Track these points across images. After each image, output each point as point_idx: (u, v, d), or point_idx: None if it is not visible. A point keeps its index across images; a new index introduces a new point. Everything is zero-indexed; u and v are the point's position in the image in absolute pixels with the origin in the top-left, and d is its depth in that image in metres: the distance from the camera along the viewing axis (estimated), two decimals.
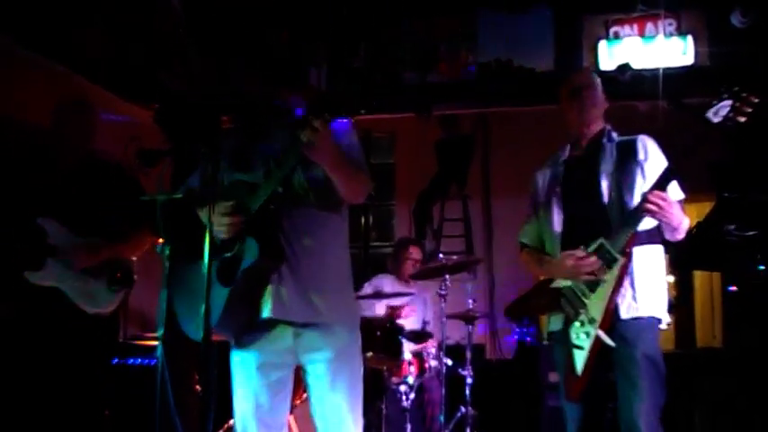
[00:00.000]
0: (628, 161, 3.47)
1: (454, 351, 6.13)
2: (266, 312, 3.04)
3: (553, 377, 6.08)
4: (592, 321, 3.32)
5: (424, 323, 6.41)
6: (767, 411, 5.48)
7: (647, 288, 3.41)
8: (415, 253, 6.54)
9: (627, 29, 7.00)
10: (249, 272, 3.01)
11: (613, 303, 3.34)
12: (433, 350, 5.89)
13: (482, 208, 8.75)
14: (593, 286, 3.37)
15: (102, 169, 4.25)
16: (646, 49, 6.89)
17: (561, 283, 3.48)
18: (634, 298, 3.39)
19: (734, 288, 6.39)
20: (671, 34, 6.84)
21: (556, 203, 3.59)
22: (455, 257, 6.12)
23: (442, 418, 5.73)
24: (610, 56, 6.96)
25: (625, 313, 3.37)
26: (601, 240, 3.34)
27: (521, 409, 6.46)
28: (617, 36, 7.01)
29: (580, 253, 3.35)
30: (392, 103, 7.12)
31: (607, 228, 3.38)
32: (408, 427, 5.52)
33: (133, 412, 5.62)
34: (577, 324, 3.38)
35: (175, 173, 4.35)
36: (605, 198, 3.45)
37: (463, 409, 5.81)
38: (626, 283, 3.36)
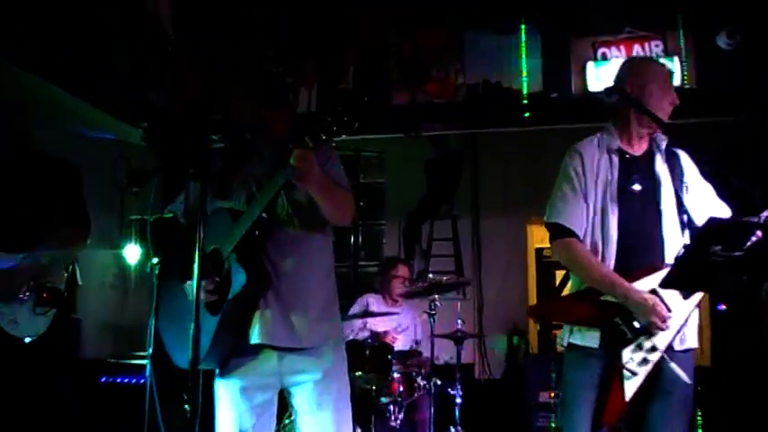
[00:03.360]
0: (676, 176, 3.36)
1: (443, 370, 6.13)
2: (254, 338, 3.05)
3: (543, 396, 6.08)
4: (653, 350, 3.15)
5: (414, 343, 6.41)
6: (756, 427, 5.50)
7: (693, 318, 3.32)
8: (403, 271, 6.54)
9: (614, 50, 7.01)
10: (237, 300, 3.01)
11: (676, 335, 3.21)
12: (423, 370, 5.87)
13: (471, 228, 8.76)
14: None
15: (31, 170, 3.98)
16: None
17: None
18: (684, 329, 3.28)
19: (722, 306, 6.41)
20: (657, 56, 6.85)
21: (611, 201, 3.32)
22: (445, 278, 6.10)
23: None
24: (597, 77, 6.97)
25: (678, 345, 3.25)
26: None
27: (509, 428, 6.45)
28: (604, 57, 7.02)
29: (665, 310, 3.13)
30: (381, 123, 7.15)
31: (661, 245, 3.27)
32: None
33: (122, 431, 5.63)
34: (633, 348, 3.17)
35: (165, 191, 4.32)
36: (663, 213, 3.31)
37: (452, 429, 5.79)
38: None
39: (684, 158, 3.44)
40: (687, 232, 3.33)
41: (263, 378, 3.14)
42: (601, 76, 6.95)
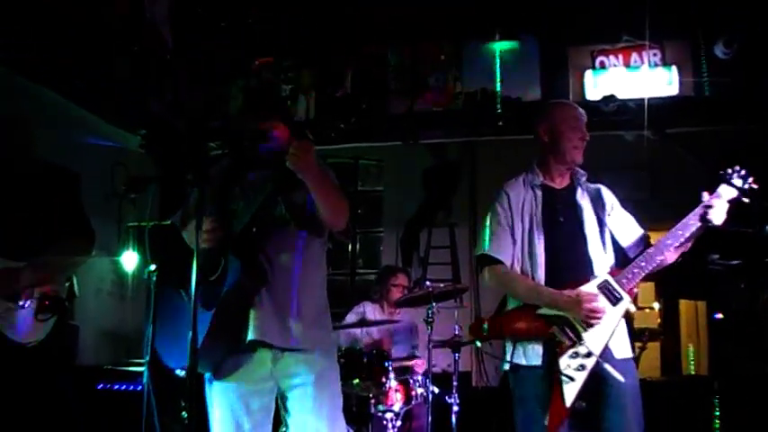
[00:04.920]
0: (598, 207, 3.67)
1: (440, 378, 6.08)
2: (249, 335, 3.08)
3: None
4: (589, 355, 3.34)
5: (411, 350, 6.38)
6: None
7: (622, 328, 3.51)
8: (402, 280, 6.53)
9: (612, 59, 7.07)
10: (231, 294, 3.04)
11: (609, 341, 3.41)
12: (420, 377, 5.85)
13: (469, 236, 8.71)
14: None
15: (31, 181, 4.00)
16: (631, 78, 6.95)
17: (552, 311, 3.46)
18: (624, 339, 3.52)
19: (719, 315, 6.42)
20: (655, 64, 6.91)
21: (537, 229, 3.60)
22: (442, 285, 6.08)
23: None
24: (595, 85, 7.01)
25: (619, 354, 3.45)
26: (606, 277, 3.47)
27: None
28: (602, 66, 7.06)
29: (593, 296, 3.40)
30: (379, 131, 7.18)
31: (588, 263, 3.54)
32: None
33: None
34: (570, 355, 3.36)
35: (163, 198, 4.34)
36: (588, 236, 3.60)
37: None
38: (621, 323, 3.47)
39: (605, 190, 3.78)
40: (610, 250, 3.64)
41: (258, 383, 3.16)
42: (599, 84, 7.01)
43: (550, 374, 3.37)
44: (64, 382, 4.12)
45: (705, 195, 3.50)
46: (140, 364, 5.86)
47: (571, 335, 3.39)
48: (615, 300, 3.43)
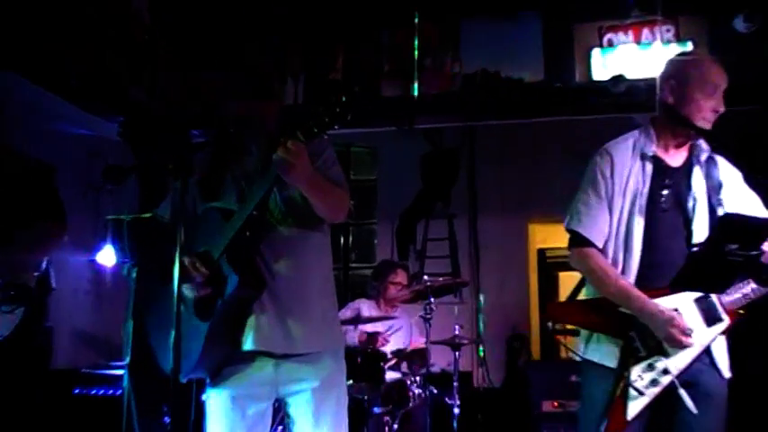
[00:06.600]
0: (712, 193, 3.17)
1: (440, 379, 6.03)
2: (248, 345, 2.96)
3: (546, 406, 5.92)
4: (665, 372, 2.99)
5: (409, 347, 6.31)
6: None
7: (722, 347, 3.15)
8: (401, 277, 6.42)
9: (621, 36, 6.85)
10: (229, 304, 2.92)
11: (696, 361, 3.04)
12: (418, 378, 5.77)
13: (468, 227, 8.67)
14: None
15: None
16: (642, 56, 6.76)
17: None
18: (725, 355, 3.15)
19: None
20: (669, 41, 6.69)
21: (638, 213, 3.15)
22: (440, 279, 5.99)
23: None
24: (603, 65, 6.80)
25: (727, 372, 3.11)
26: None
27: None
28: (611, 44, 6.86)
29: (688, 329, 2.95)
30: (372, 116, 7.01)
31: None
32: None
33: None
34: (644, 367, 3.03)
35: (143, 190, 4.18)
36: (694, 233, 3.11)
37: None
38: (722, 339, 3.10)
39: (723, 164, 3.26)
40: None
41: (256, 387, 3.04)
42: (607, 63, 6.80)
43: (618, 381, 3.02)
44: (35, 382, 4.04)
45: None
46: (120, 368, 5.79)
47: (650, 344, 3.02)
48: (712, 320, 3.03)
